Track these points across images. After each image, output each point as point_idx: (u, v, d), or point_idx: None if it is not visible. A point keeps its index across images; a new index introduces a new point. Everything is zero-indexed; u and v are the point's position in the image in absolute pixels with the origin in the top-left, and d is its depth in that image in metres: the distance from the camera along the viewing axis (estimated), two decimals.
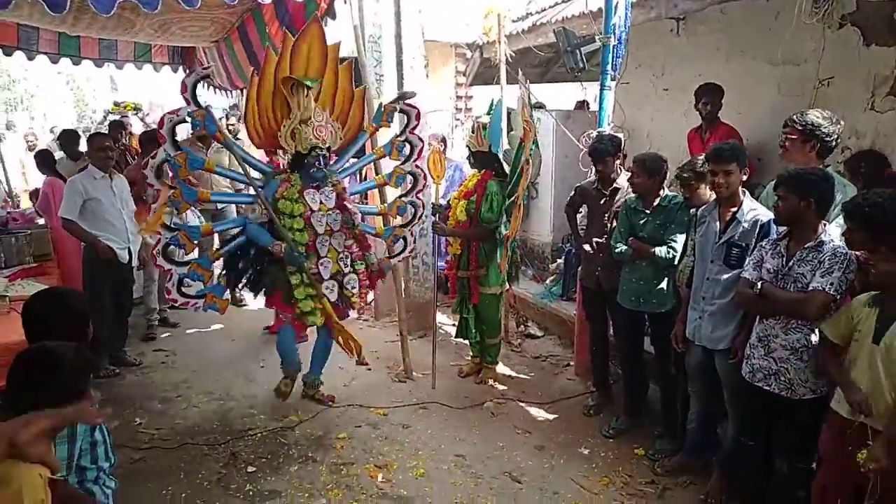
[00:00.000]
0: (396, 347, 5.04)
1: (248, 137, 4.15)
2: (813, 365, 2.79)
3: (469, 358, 5.06)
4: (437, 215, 4.70)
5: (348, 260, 4.13)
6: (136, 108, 8.26)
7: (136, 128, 8.32)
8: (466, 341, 4.98)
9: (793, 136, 3.07)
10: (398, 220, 4.61)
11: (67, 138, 6.62)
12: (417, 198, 4.59)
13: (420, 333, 5.60)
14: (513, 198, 4.49)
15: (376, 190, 4.79)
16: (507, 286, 4.89)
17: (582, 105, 6.95)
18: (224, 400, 4.48)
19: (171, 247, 3.83)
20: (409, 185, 4.55)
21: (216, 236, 4.96)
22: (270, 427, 4.07)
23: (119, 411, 4.23)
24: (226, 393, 4.58)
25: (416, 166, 4.53)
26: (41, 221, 5.54)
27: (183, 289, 3.90)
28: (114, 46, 7.68)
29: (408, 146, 4.48)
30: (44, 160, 6.09)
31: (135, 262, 4.97)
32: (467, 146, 4.72)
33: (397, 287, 5.08)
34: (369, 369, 5.02)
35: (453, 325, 5.30)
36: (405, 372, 4.87)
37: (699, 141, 4.77)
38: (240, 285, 4.20)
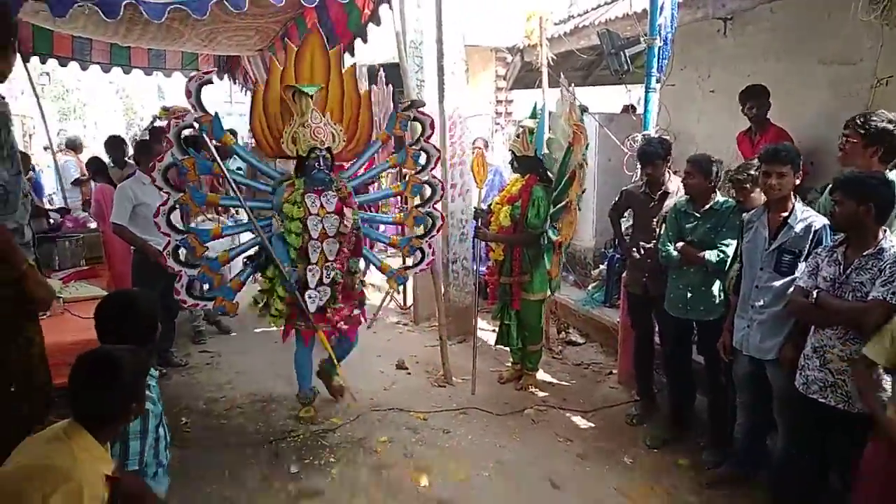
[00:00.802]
0: (436, 352, 5.04)
1: (259, 147, 4.15)
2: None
3: (509, 364, 5.02)
4: (479, 220, 4.68)
5: (332, 272, 3.99)
6: (186, 112, 8.39)
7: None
8: (507, 348, 4.95)
9: (854, 140, 2.96)
10: (416, 231, 4.53)
11: (113, 145, 6.80)
12: (434, 208, 4.51)
13: (459, 338, 5.59)
14: (562, 203, 4.46)
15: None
16: (551, 293, 4.84)
17: (628, 109, 6.85)
18: (267, 402, 4.54)
19: (181, 249, 3.89)
20: (427, 195, 4.49)
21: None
22: (312, 429, 4.10)
23: (166, 411, 4.27)
24: (268, 395, 4.64)
25: (433, 176, 4.48)
26: (93, 225, 5.71)
27: (193, 291, 3.98)
28: (162, 56, 7.94)
29: (424, 155, 4.43)
30: (96, 167, 6.29)
31: None
32: (511, 150, 4.67)
33: (437, 292, 5.08)
34: (409, 374, 5.03)
35: (493, 330, 5.27)
36: (445, 377, 4.86)
37: (749, 143, 4.65)
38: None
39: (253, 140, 4.23)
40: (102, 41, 6.93)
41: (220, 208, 5.41)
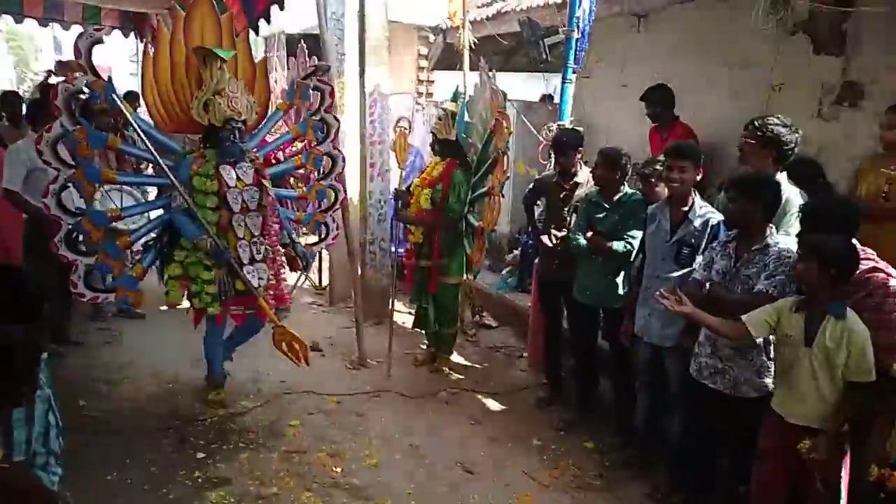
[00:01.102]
0: (351, 334, 5.02)
1: (151, 119, 3.83)
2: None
3: (424, 347, 5.08)
4: (399, 202, 4.66)
5: (261, 246, 3.84)
6: (83, 70, 7.71)
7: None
8: (423, 331, 5.00)
9: (752, 141, 3.16)
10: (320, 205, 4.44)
11: (7, 101, 6.23)
12: (337, 181, 4.44)
13: (375, 321, 5.59)
14: (483, 189, 4.52)
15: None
16: (473, 278, 4.92)
17: (545, 99, 6.99)
18: (172, 383, 4.38)
19: (75, 234, 3.53)
20: (328, 167, 4.37)
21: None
22: (221, 413, 4.00)
23: (62, 392, 3.91)
24: (174, 376, 4.48)
25: (334, 147, 4.36)
26: None
27: (91, 282, 3.64)
28: (60, 6, 7.31)
29: (323, 125, 4.28)
30: None
31: None
32: (433, 133, 4.66)
33: (354, 273, 5.04)
34: (323, 356, 4.98)
35: (409, 313, 5.31)
36: (360, 359, 4.86)
37: (658, 139, 4.87)
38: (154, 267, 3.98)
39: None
40: None
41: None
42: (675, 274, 3.29)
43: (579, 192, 4.10)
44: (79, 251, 3.58)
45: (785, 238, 3.00)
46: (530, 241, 5.70)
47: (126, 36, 8.30)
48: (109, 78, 3.51)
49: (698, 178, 3.31)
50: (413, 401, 4.37)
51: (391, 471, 3.54)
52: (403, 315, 5.65)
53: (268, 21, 5.27)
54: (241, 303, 3.87)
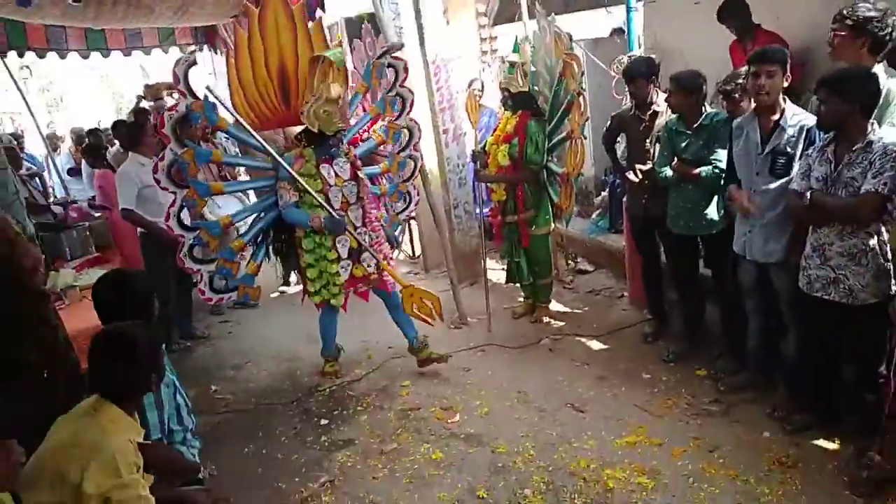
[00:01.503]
0: (448, 296, 5.11)
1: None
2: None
3: (521, 300, 5.11)
4: (478, 162, 4.68)
5: (366, 236, 3.98)
6: (171, 88, 8.17)
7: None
8: (517, 284, 5.03)
9: (842, 33, 2.91)
10: (399, 177, 4.58)
11: (118, 130, 6.68)
12: (415, 150, 4.54)
13: (470, 281, 5.67)
14: (562, 135, 4.46)
15: None
16: (565, 225, 4.93)
17: (616, 33, 6.69)
18: (291, 361, 4.68)
19: (195, 247, 3.83)
20: (406, 140, 4.48)
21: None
22: (337, 382, 4.24)
23: (194, 381, 4.47)
24: (292, 355, 4.77)
25: (411, 119, 4.46)
26: (97, 214, 5.76)
27: (214, 286, 3.96)
28: (139, 34, 7.80)
29: (399, 100, 4.39)
30: (94, 153, 6.28)
31: None
32: (506, 88, 4.55)
33: (443, 238, 5.13)
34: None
35: (502, 269, 5.34)
36: (460, 318, 4.96)
37: (742, 52, 4.55)
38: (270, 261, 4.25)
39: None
40: (76, 27, 6.83)
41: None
42: (773, 186, 3.12)
43: (659, 122, 3.95)
44: (200, 261, 3.87)
45: (891, 130, 2.78)
46: (617, 181, 5.56)
47: (201, 51, 8.71)
48: (206, 97, 3.66)
49: (786, 83, 3.10)
50: (517, 351, 4.42)
51: (503, 417, 3.62)
52: (496, 272, 5.69)
53: (323, 9, 5.38)
54: (358, 282, 4.06)
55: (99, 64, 8.99)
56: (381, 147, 4.61)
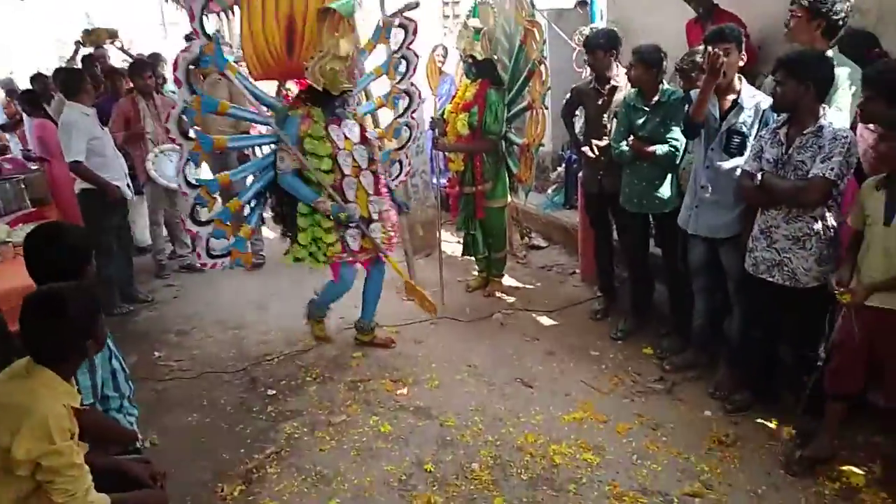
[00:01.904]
0: (403, 268, 5.06)
1: (247, 68, 3.77)
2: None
3: (475, 273, 5.10)
4: (436, 130, 4.58)
5: (375, 205, 3.77)
6: (112, 36, 7.69)
7: (116, 59, 7.95)
8: (472, 258, 5.01)
9: (798, 14, 2.95)
10: (394, 144, 4.46)
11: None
12: (412, 118, 4.39)
13: (425, 253, 5.63)
14: (522, 105, 4.40)
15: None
16: (525, 198, 4.90)
17: (580, 5, 6.62)
18: (238, 329, 4.57)
19: (197, 206, 3.57)
20: (405, 105, 4.33)
21: None
22: (286, 351, 4.16)
23: (136, 346, 4.33)
24: (239, 322, 4.66)
25: (412, 84, 4.29)
26: (34, 167, 5.46)
27: (211, 250, 3.69)
28: None
29: (404, 62, 4.19)
30: (34, 101, 5.92)
31: (132, 195, 4.95)
32: (470, 55, 4.40)
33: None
34: None
35: (458, 241, 5.32)
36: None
37: (700, 32, 4.57)
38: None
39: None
40: None
41: None
42: (725, 164, 3.16)
43: (618, 97, 3.94)
44: (199, 222, 3.63)
45: (836, 114, 2.83)
46: (573, 156, 5.56)
47: None
48: (217, 39, 3.39)
49: (742, 62, 3.12)
50: (469, 324, 4.43)
51: (453, 391, 3.63)
52: (451, 245, 5.67)
53: None
54: (365, 252, 3.88)
55: (40, 6, 8.41)
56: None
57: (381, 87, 4.44)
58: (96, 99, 5.09)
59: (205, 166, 4.88)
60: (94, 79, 5.63)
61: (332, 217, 3.61)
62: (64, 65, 7.24)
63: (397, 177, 4.55)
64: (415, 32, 4.14)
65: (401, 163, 4.52)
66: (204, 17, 3.35)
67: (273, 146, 3.77)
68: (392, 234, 3.96)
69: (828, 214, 2.78)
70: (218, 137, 3.72)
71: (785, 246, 2.84)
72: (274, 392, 3.72)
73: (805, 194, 2.71)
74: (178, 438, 3.32)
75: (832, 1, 2.87)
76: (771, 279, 2.92)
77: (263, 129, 4.71)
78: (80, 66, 6.64)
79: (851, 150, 2.65)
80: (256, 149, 5.29)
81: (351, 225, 3.67)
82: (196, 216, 3.60)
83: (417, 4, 4.18)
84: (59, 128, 4.63)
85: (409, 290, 4.06)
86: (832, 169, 2.63)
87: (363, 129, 3.75)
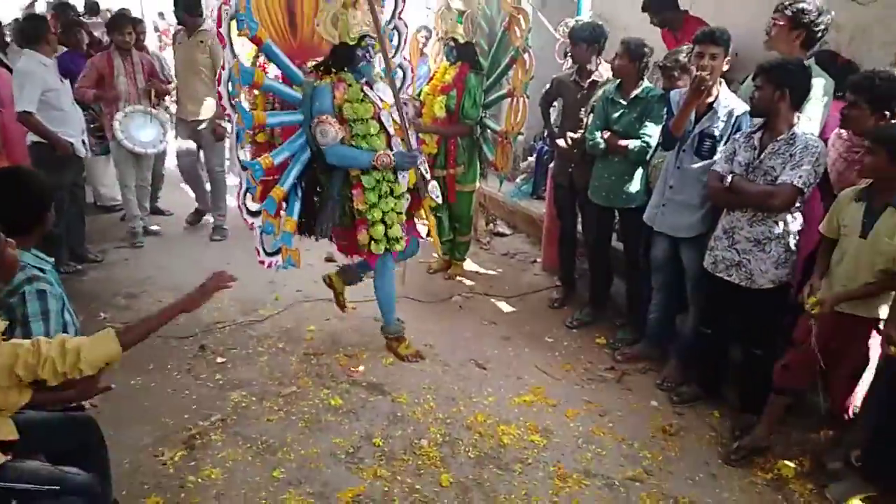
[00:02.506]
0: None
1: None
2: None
3: (438, 255, 5.08)
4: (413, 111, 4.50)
5: (423, 165, 3.52)
6: None
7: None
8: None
9: (780, 23, 3.00)
10: None
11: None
12: (407, 94, 4.04)
13: None
14: (501, 92, 4.37)
15: None
16: (499, 185, 4.87)
17: None
18: None
19: (248, 192, 3.27)
20: (399, 81, 3.93)
21: None
22: (239, 320, 4.08)
23: (83, 307, 4.16)
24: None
25: (405, 58, 3.99)
26: None
27: (264, 245, 3.40)
28: None
29: (395, 34, 3.86)
30: None
31: (88, 153, 4.77)
32: (452, 37, 4.34)
33: None
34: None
35: (423, 223, 5.26)
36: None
37: (672, 40, 4.59)
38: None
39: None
40: None
41: None
42: (695, 166, 3.20)
43: (597, 92, 3.95)
44: (252, 212, 3.34)
45: (806, 124, 2.89)
46: (545, 148, 5.58)
47: None
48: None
49: (726, 67, 3.15)
50: (427, 305, 4.41)
51: (407, 369, 3.60)
52: (417, 226, 5.61)
53: None
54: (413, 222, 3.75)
55: None
56: None
57: None
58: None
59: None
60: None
61: (399, 168, 3.34)
62: (23, 12, 6.92)
63: None
64: (403, 1, 3.84)
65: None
66: None
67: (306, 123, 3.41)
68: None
69: (790, 220, 2.84)
70: (258, 113, 3.28)
71: (746, 247, 2.89)
72: (223, 360, 3.63)
73: (772, 199, 2.76)
74: (121, 401, 3.19)
75: (815, 13, 2.93)
76: (728, 278, 2.97)
77: None
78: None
79: (821, 160, 2.71)
80: None
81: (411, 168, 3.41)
82: (248, 206, 3.33)
83: None
84: (13, 76, 4.42)
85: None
86: (800, 177, 2.68)
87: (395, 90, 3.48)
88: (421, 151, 3.83)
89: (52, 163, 4.42)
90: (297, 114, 3.39)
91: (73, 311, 2.43)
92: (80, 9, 7.34)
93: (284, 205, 3.42)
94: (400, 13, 3.85)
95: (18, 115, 4.27)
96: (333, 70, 3.30)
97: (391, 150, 3.33)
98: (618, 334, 3.94)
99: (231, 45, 2.99)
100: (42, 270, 2.23)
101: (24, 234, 2.17)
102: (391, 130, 3.37)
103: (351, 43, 3.22)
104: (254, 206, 3.36)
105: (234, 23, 3.00)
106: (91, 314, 4.11)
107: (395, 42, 3.89)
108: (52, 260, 2.38)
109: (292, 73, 3.33)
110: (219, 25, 2.96)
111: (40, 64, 4.31)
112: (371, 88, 3.36)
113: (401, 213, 3.48)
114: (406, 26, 3.97)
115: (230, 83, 3.00)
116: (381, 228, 3.39)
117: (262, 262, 3.46)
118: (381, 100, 3.38)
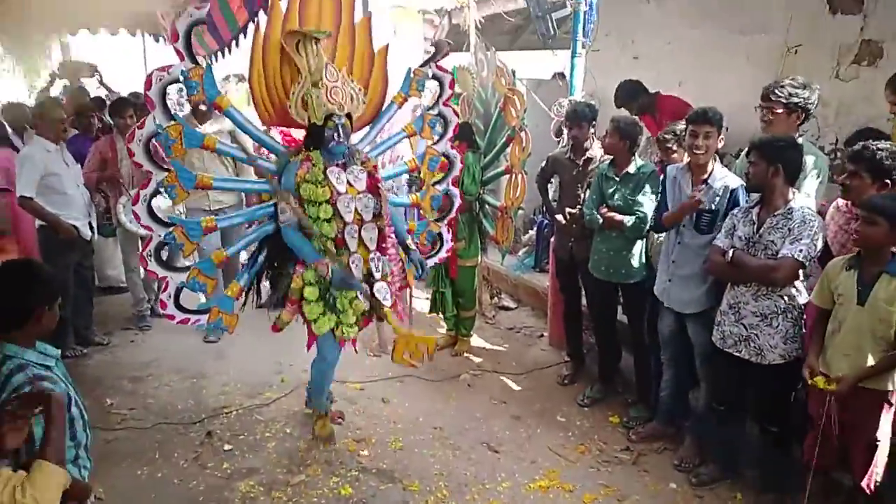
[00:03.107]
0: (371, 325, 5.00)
1: (257, 113, 3.36)
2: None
3: (443, 331, 5.07)
4: (413, 187, 4.62)
5: (379, 262, 3.31)
6: (93, 70, 7.56)
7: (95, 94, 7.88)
8: (441, 315, 4.99)
9: (778, 111, 3.09)
10: (433, 214, 4.02)
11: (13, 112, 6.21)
12: (453, 184, 3.97)
13: None
14: (499, 169, 4.50)
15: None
16: (501, 258, 4.89)
17: (557, 76, 6.87)
18: (196, 378, 4.41)
19: (166, 246, 3.13)
20: (444, 171, 3.87)
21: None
22: (245, 404, 4.03)
23: (88, 391, 4.13)
24: (198, 371, 4.50)
25: (451, 145, 3.89)
26: None
27: (181, 302, 3.23)
28: None
29: (441, 121, 3.78)
30: None
31: (95, 236, 4.82)
32: None
33: None
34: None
35: (426, 298, 5.29)
36: (380, 346, 4.85)
37: (652, 122, 4.68)
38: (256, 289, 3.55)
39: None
40: None
41: None
42: (696, 241, 3.25)
43: (592, 168, 4.05)
44: (170, 267, 3.18)
45: (804, 199, 2.95)
46: (545, 221, 5.66)
47: (133, 35, 8.25)
48: (209, 65, 3.02)
49: (721, 144, 3.25)
50: (435, 384, 4.36)
51: (417, 453, 3.54)
52: (420, 301, 5.64)
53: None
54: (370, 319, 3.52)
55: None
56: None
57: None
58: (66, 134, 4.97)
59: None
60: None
61: (331, 283, 3.17)
62: (37, 96, 7.15)
63: (437, 252, 4.07)
64: (451, 86, 3.80)
65: (441, 236, 4.04)
66: (193, 37, 2.98)
67: (266, 190, 3.42)
68: (395, 298, 3.43)
69: (795, 293, 2.86)
70: (203, 175, 3.24)
71: (753, 322, 2.90)
72: (231, 447, 3.57)
73: (774, 273, 2.79)
74: (126, 493, 3.15)
75: (804, 92, 3.06)
76: (737, 353, 2.96)
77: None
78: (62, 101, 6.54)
79: (819, 232, 2.76)
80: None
81: (354, 260, 3.23)
82: (162, 258, 3.14)
83: (450, 45, 3.98)
84: (17, 161, 4.53)
85: (401, 346, 3.40)
86: (801, 250, 2.72)
87: (374, 179, 3.33)
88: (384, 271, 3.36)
89: (57, 245, 4.49)
90: (261, 183, 3.40)
91: (82, 403, 2.35)
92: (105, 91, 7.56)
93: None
94: (446, 100, 3.76)
95: (18, 200, 4.39)
96: (304, 147, 3.28)
97: (346, 239, 3.21)
98: (630, 412, 3.89)
99: (164, 107, 2.97)
100: (47, 367, 2.15)
101: (21, 329, 2.09)
102: (348, 218, 3.20)
103: (318, 123, 3.17)
104: (184, 262, 3.22)
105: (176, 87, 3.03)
106: (96, 399, 4.07)
107: (439, 130, 3.79)
108: (59, 352, 2.30)
109: (265, 141, 3.38)
110: (147, 89, 2.94)
111: (43, 149, 4.41)
112: (344, 170, 3.24)
113: (355, 299, 3.28)
114: (456, 114, 3.87)
115: (154, 141, 2.98)
116: (317, 308, 3.22)
117: (170, 317, 3.23)
118: (350, 185, 3.23)
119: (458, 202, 4.09)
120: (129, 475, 3.31)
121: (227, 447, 3.57)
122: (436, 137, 3.79)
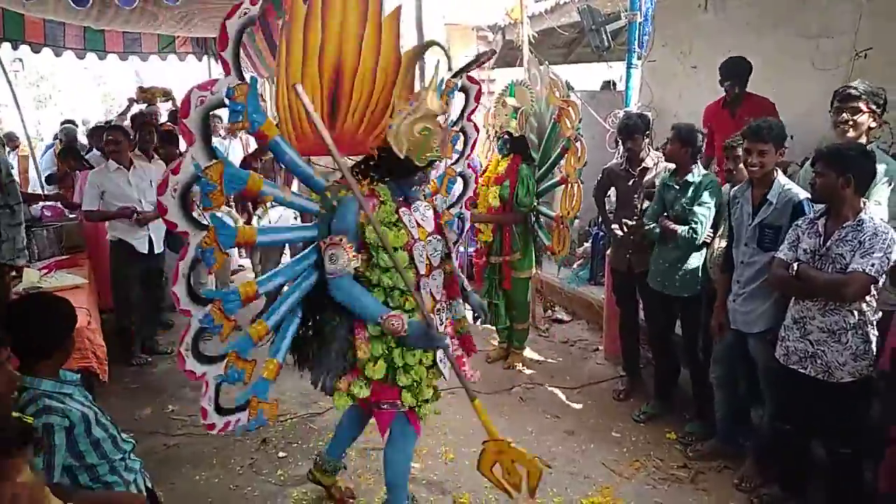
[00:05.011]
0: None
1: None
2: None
3: (496, 343, 5.04)
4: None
5: (443, 314, 2.74)
6: (167, 95, 7.98)
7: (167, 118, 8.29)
8: (494, 327, 4.96)
9: (863, 112, 2.96)
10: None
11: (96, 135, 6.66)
12: (466, 208, 3.54)
13: None
14: (554, 180, 4.49)
15: None
16: (557, 268, 4.80)
17: (608, 85, 6.82)
18: None
19: (205, 333, 2.37)
20: (458, 192, 3.45)
21: None
22: (300, 413, 4.10)
23: (151, 399, 4.31)
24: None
25: (469, 165, 3.45)
26: (72, 215, 5.61)
27: (221, 402, 2.49)
28: (138, 39, 7.80)
29: (461, 138, 3.33)
30: (72, 157, 6.19)
31: (161, 248, 5.02)
32: (506, 132, 4.53)
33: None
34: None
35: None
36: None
37: (727, 115, 4.57)
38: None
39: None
40: (75, 25, 6.79)
41: None
42: (759, 258, 3.11)
43: (648, 178, 3.98)
44: (205, 358, 2.41)
45: (875, 208, 2.81)
46: (601, 233, 5.58)
47: (199, 59, 8.69)
48: (253, 79, 2.30)
49: (781, 158, 3.12)
50: (488, 397, 4.33)
51: (469, 466, 3.50)
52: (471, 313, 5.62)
53: None
54: None
55: (93, 64, 8.92)
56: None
57: None
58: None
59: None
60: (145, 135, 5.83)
61: (410, 345, 2.54)
62: (114, 119, 7.57)
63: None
64: (477, 99, 3.28)
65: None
66: (241, 48, 2.26)
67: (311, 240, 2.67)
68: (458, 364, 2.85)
69: (866, 308, 2.71)
70: (244, 228, 2.52)
71: (819, 338, 2.76)
72: (285, 455, 3.64)
73: (845, 289, 2.65)
74: (185, 497, 3.25)
75: (885, 97, 2.96)
76: (803, 370, 2.83)
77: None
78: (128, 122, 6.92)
79: (892, 245, 2.60)
80: None
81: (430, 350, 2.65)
82: (201, 349, 2.38)
83: (494, 54, 3.72)
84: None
85: (491, 454, 2.81)
86: (872, 265, 2.58)
87: (437, 215, 2.77)
88: (475, 240, 2.98)
89: (123, 257, 4.75)
90: (310, 228, 2.69)
91: (113, 423, 2.27)
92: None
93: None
94: (470, 114, 3.31)
95: (82, 214, 4.82)
96: (370, 176, 2.61)
97: (420, 292, 2.56)
98: (688, 428, 3.76)
99: (205, 140, 2.17)
100: (66, 394, 2.14)
101: (51, 358, 2.15)
102: (422, 270, 2.59)
103: (420, 165, 2.54)
104: (213, 351, 2.43)
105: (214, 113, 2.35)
106: (159, 406, 4.23)
107: (458, 147, 3.36)
108: (77, 377, 2.28)
109: (310, 179, 2.63)
110: (184, 115, 2.13)
111: (106, 171, 4.74)
112: (410, 209, 2.65)
113: (433, 367, 2.72)
114: (477, 130, 3.43)
115: (195, 188, 2.22)
116: (404, 380, 2.63)
117: (210, 427, 2.48)
118: (419, 226, 2.63)
119: (468, 225, 3.67)
120: (188, 479, 3.41)
121: (281, 454, 3.64)
122: (455, 156, 3.34)
